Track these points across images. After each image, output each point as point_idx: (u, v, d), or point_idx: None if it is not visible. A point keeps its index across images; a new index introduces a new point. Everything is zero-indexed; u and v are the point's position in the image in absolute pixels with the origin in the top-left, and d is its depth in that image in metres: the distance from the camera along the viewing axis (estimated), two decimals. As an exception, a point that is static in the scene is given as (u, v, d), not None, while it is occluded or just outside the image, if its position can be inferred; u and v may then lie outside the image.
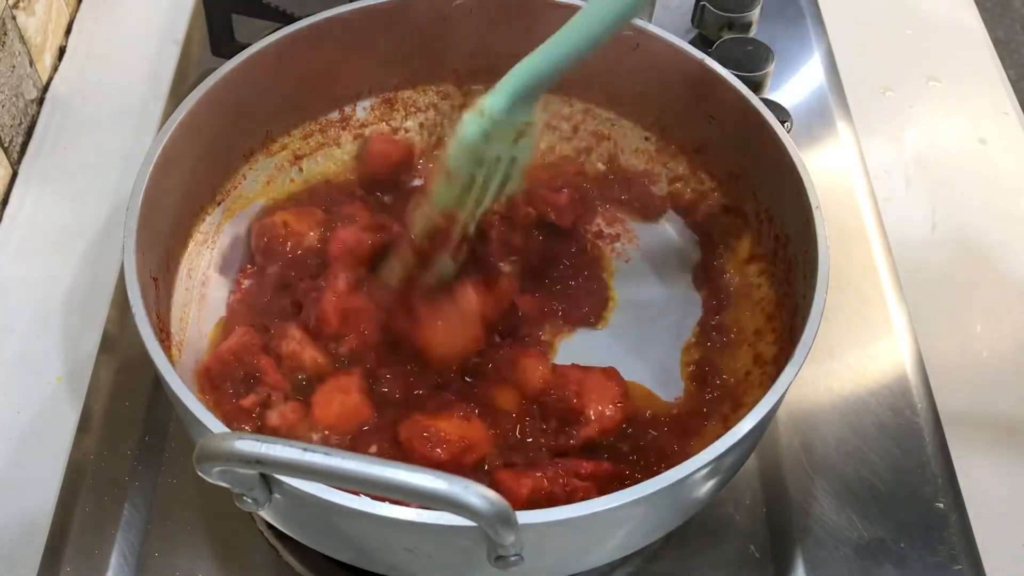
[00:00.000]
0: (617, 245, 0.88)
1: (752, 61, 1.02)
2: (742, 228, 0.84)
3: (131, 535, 0.75)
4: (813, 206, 0.72)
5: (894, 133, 1.04)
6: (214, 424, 0.60)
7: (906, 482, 0.80)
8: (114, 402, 0.82)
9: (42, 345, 0.86)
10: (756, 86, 1.01)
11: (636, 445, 0.74)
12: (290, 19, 0.92)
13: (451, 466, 0.70)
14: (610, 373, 0.76)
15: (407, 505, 0.55)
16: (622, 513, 0.58)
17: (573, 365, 0.78)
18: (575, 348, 0.82)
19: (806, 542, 0.76)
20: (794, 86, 1.05)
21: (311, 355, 0.76)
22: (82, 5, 1.12)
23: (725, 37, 1.05)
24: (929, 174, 1.01)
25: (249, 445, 0.51)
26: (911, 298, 0.90)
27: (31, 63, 1.01)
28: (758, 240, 0.82)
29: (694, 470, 0.59)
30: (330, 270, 0.79)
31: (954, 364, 0.87)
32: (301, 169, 0.90)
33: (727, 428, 0.61)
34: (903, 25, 1.14)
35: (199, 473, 0.53)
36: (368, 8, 0.84)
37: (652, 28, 0.83)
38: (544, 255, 0.86)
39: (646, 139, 0.90)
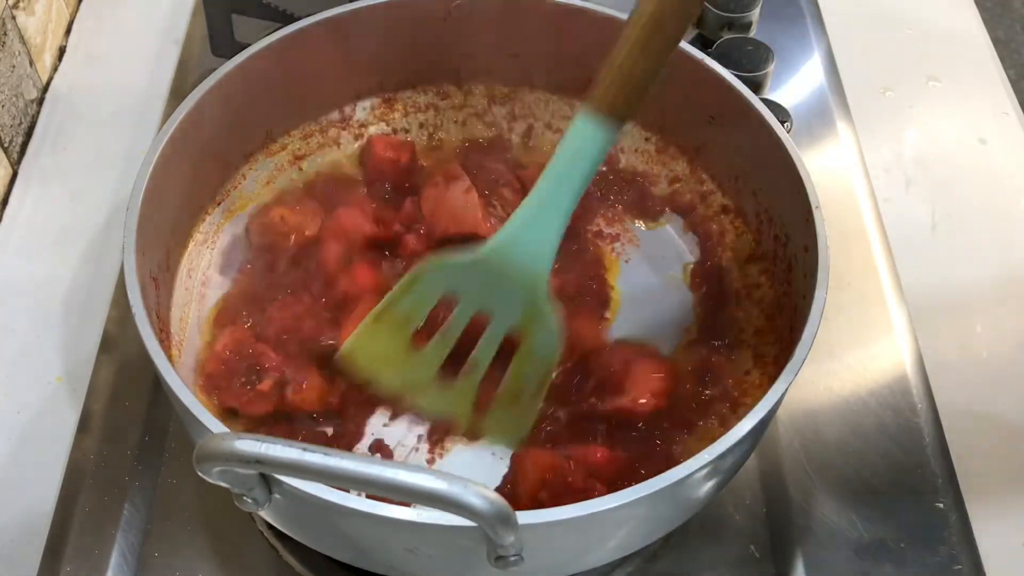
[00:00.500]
0: (617, 245, 0.88)
1: (752, 61, 1.02)
2: (742, 228, 0.84)
3: (131, 535, 0.75)
4: (813, 206, 0.72)
5: (894, 133, 1.04)
6: (214, 424, 0.60)
7: (906, 482, 0.80)
8: (114, 402, 0.82)
9: (42, 345, 0.86)
10: (756, 86, 1.01)
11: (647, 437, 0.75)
12: (290, 19, 0.92)
13: None
14: (662, 365, 0.77)
15: (407, 505, 0.55)
16: (622, 513, 0.58)
17: (630, 341, 0.79)
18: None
19: (806, 542, 0.76)
20: (794, 86, 1.05)
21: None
22: (82, 5, 1.12)
23: (725, 37, 1.05)
24: (929, 174, 1.01)
25: (249, 445, 0.50)
26: (911, 298, 0.90)
27: (31, 63, 1.01)
28: (758, 240, 0.82)
29: (694, 470, 0.59)
30: (325, 245, 0.82)
31: (954, 364, 0.87)
32: (301, 169, 0.90)
33: (727, 428, 0.61)
34: (903, 25, 1.14)
35: (199, 473, 0.53)
36: (368, 8, 0.84)
37: (652, 28, 0.83)
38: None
39: (646, 139, 0.90)
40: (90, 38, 1.10)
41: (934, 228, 0.96)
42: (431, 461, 0.76)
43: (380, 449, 0.75)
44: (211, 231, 0.83)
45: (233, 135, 0.84)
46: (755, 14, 1.07)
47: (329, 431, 0.75)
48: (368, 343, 0.74)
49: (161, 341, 0.66)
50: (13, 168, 0.97)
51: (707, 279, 0.85)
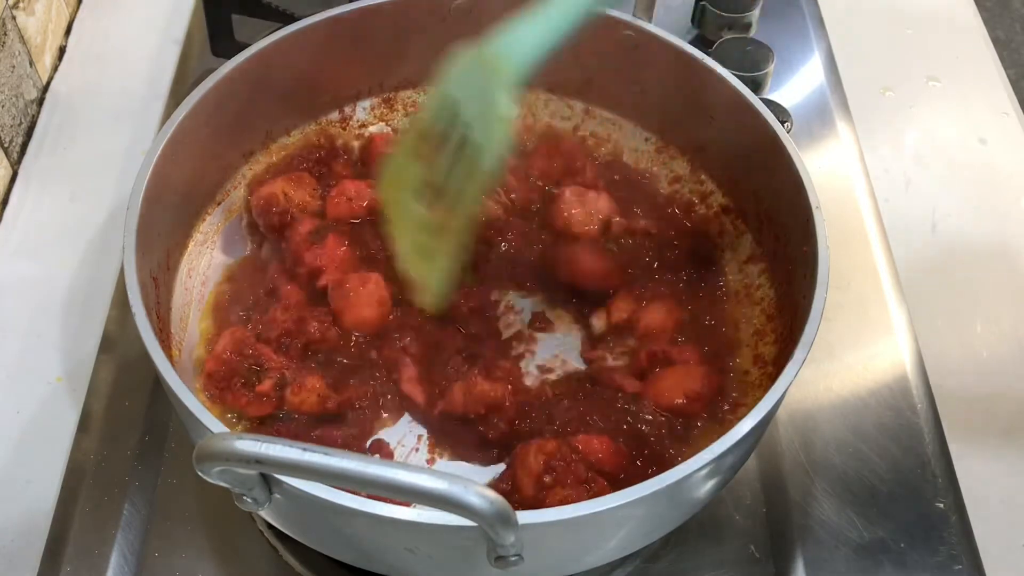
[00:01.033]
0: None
1: (752, 61, 1.02)
2: (742, 228, 0.84)
3: (131, 535, 0.75)
4: (813, 206, 0.72)
5: (894, 133, 1.04)
6: (214, 424, 0.60)
7: (906, 482, 0.80)
8: (114, 402, 0.82)
9: (42, 345, 0.86)
10: (756, 86, 1.01)
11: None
12: (290, 19, 0.92)
13: None
14: (706, 372, 0.77)
15: (407, 505, 0.55)
16: (622, 513, 0.58)
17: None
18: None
19: (806, 542, 0.76)
20: (794, 86, 1.05)
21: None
22: (82, 5, 1.12)
23: (725, 37, 1.05)
24: (929, 174, 1.01)
25: (248, 445, 0.50)
26: (911, 298, 0.90)
27: (31, 63, 1.01)
28: (758, 240, 0.82)
29: (694, 470, 0.59)
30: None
31: (954, 364, 0.87)
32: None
33: (727, 428, 0.61)
34: (903, 25, 1.14)
35: (199, 473, 0.53)
36: (368, 8, 0.84)
37: (652, 28, 0.83)
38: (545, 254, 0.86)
39: (646, 139, 0.90)
40: (90, 38, 1.10)
41: (934, 228, 0.96)
42: (431, 461, 0.76)
43: (380, 449, 0.75)
44: (211, 231, 0.83)
45: (233, 135, 0.84)
46: (755, 14, 1.07)
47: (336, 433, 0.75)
48: (393, 172, 0.74)
49: (161, 341, 0.66)
50: (13, 168, 0.97)
51: (707, 279, 0.84)
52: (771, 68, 1.02)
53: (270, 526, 0.75)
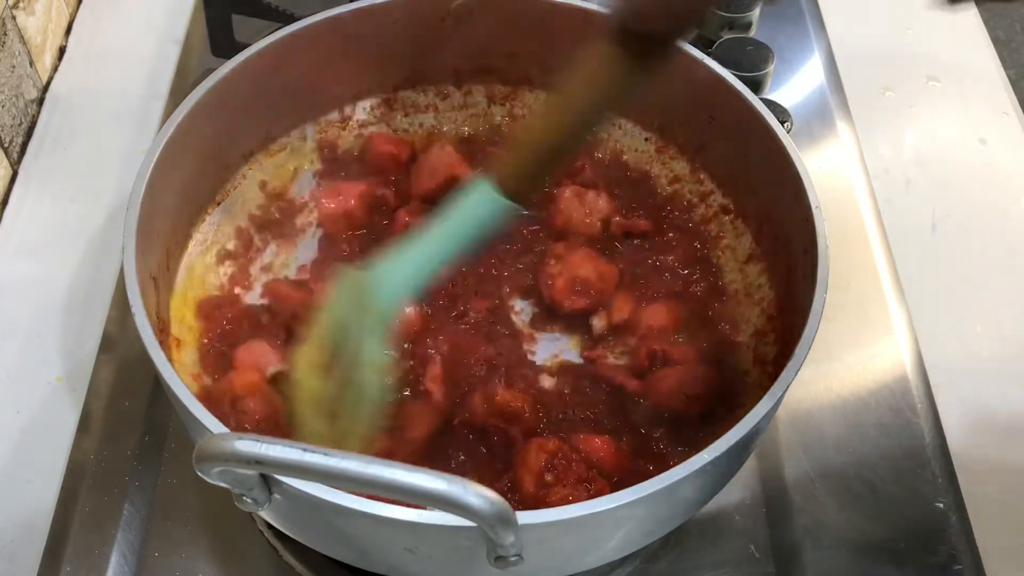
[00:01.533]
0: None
1: (752, 61, 1.02)
2: (742, 228, 0.84)
3: (131, 535, 0.75)
4: (813, 206, 0.72)
5: (894, 133, 1.04)
6: (214, 424, 0.60)
7: (906, 482, 0.80)
8: (114, 402, 0.82)
9: (42, 345, 0.86)
10: (756, 86, 1.01)
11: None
12: (290, 19, 0.92)
13: None
14: (708, 374, 0.76)
15: (407, 505, 0.55)
16: (622, 513, 0.58)
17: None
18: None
19: (806, 542, 0.76)
20: (794, 86, 1.05)
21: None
22: (82, 5, 1.12)
23: (725, 37, 1.05)
24: (929, 174, 1.01)
25: (248, 445, 0.50)
26: (911, 298, 0.90)
27: (31, 63, 1.01)
28: (758, 240, 0.82)
29: (694, 470, 0.59)
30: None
31: (954, 364, 0.87)
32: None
33: (726, 428, 0.61)
34: (903, 25, 1.14)
35: (199, 473, 0.53)
36: (368, 8, 0.84)
37: (652, 28, 0.83)
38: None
39: (646, 139, 0.90)
40: (90, 38, 1.10)
41: (934, 228, 0.96)
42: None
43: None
44: (211, 231, 0.83)
45: (233, 135, 0.84)
46: (755, 14, 1.07)
47: None
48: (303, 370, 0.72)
49: (161, 341, 0.66)
50: (13, 168, 0.97)
51: (706, 279, 0.84)
52: (771, 68, 1.02)
53: (270, 526, 0.75)
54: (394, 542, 0.60)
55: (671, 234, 0.86)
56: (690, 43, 0.82)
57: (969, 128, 1.04)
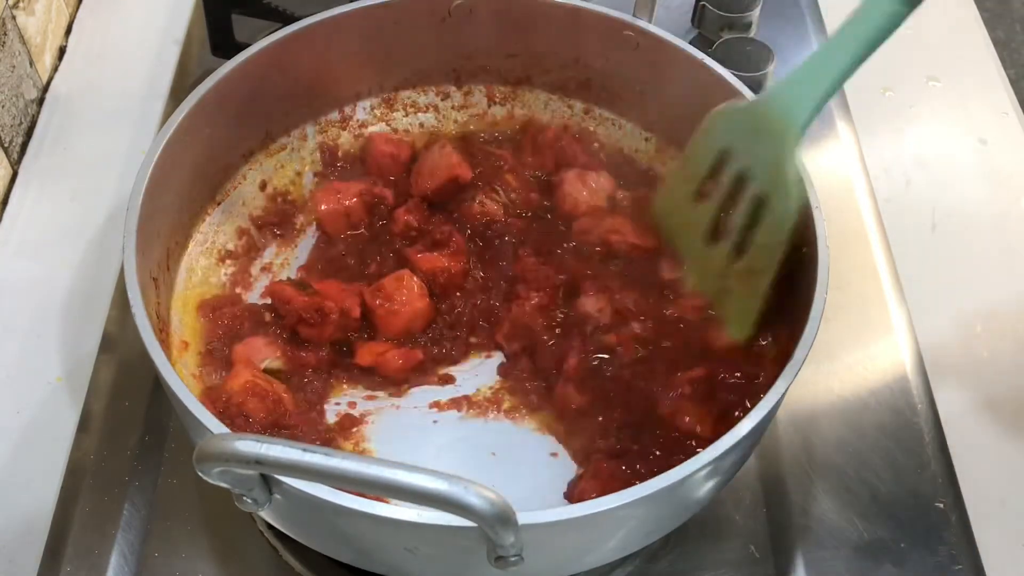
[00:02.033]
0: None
1: (752, 61, 1.02)
2: (742, 228, 0.84)
3: (131, 535, 0.75)
4: (813, 206, 0.72)
5: (894, 133, 1.04)
6: (214, 424, 0.60)
7: (906, 482, 0.80)
8: (114, 402, 0.82)
9: (42, 345, 0.86)
10: (756, 86, 1.01)
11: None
12: (290, 19, 0.92)
13: None
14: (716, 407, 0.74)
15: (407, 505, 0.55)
16: (622, 513, 0.58)
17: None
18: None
19: (806, 542, 0.76)
20: (794, 86, 1.05)
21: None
22: (82, 5, 1.12)
23: (725, 37, 1.05)
24: (929, 174, 1.01)
25: (248, 446, 0.50)
26: (911, 298, 0.90)
27: (31, 63, 1.01)
28: (758, 240, 0.82)
29: (694, 470, 0.59)
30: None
31: (954, 364, 0.87)
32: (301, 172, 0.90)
33: (727, 428, 0.61)
34: (903, 25, 1.14)
35: (199, 474, 0.53)
36: (368, 8, 0.84)
37: (652, 28, 0.83)
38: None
39: (646, 140, 0.90)
40: (90, 38, 1.10)
41: (934, 228, 0.96)
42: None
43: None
44: (211, 231, 0.83)
45: (233, 135, 0.84)
46: (755, 14, 1.07)
47: None
48: (667, 195, 0.80)
49: (161, 341, 0.66)
50: (13, 168, 0.97)
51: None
52: (771, 68, 1.02)
53: (270, 526, 0.75)
54: (394, 542, 0.60)
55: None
56: (690, 43, 0.83)
57: (969, 128, 1.04)
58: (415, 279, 0.81)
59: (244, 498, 0.57)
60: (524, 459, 0.77)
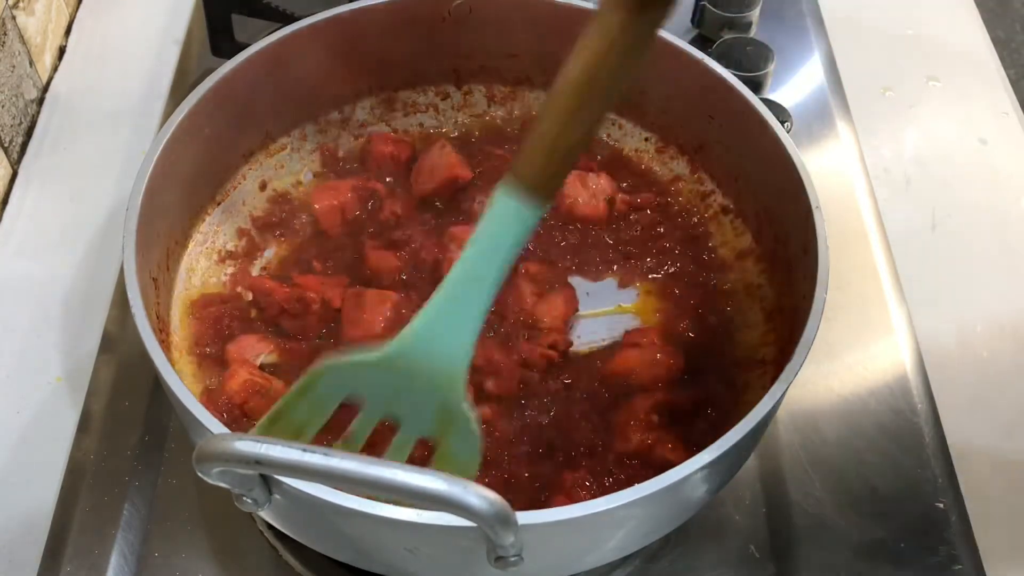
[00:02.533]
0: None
1: (752, 61, 1.02)
2: (742, 228, 0.84)
3: (131, 535, 0.75)
4: (813, 206, 0.72)
5: (894, 133, 1.04)
6: (214, 424, 0.60)
7: (906, 482, 0.80)
8: (114, 402, 0.82)
9: (42, 345, 0.86)
10: (756, 86, 1.01)
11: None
12: (290, 19, 0.92)
13: None
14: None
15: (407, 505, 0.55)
16: (622, 513, 0.58)
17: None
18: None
19: (806, 542, 0.76)
20: (794, 86, 1.05)
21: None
22: (82, 5, 1.12)
23: (725, 37, 1.05)
24: (929, 174, 1.01)
25: (248, 446, 0.50)
26: (911, 298, 0.90)
27: (31, 63, 1.01)
28: (758, 240, 0.82)
29: (694, 470, 0.59)
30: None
31: (954, 364, 0.87)
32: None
33: (726, 428, 0.61)
34: (903, 25, 1.14)
35: (198, 474, 0.53)
36: (368, 8, 0.84)
37: (652, 28, 0.83)
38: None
39: (646, 139, 0.90)
40: (90, 38, 1.10)
41: (934, 228, 0.96)
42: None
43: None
44: (211, 231, 0.83)
45: (233, 135, 0.84)
46: (755, 14, 1.07)
47: None
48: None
49: (161, 341, 0.66)
50: (13, 168, 0.97)
51: (707, 279, 0.85)
52: (771, 68, 1.02)
53: (270, 526, 0.75)
54: (394, 542, 0.60)
55: (670, 226, 0.87)
56: (690, 43, 0.82)
57: (969, 128, 1.04)
58: (377, 298, 0.80)
59: (244, 498, 0.57)
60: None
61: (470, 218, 0.86)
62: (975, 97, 1.07)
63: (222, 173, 0.84)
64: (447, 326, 0.61)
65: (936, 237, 0.96)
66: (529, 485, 0.72)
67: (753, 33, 1.08)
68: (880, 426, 0.82)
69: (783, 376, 0.64)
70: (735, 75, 0.80)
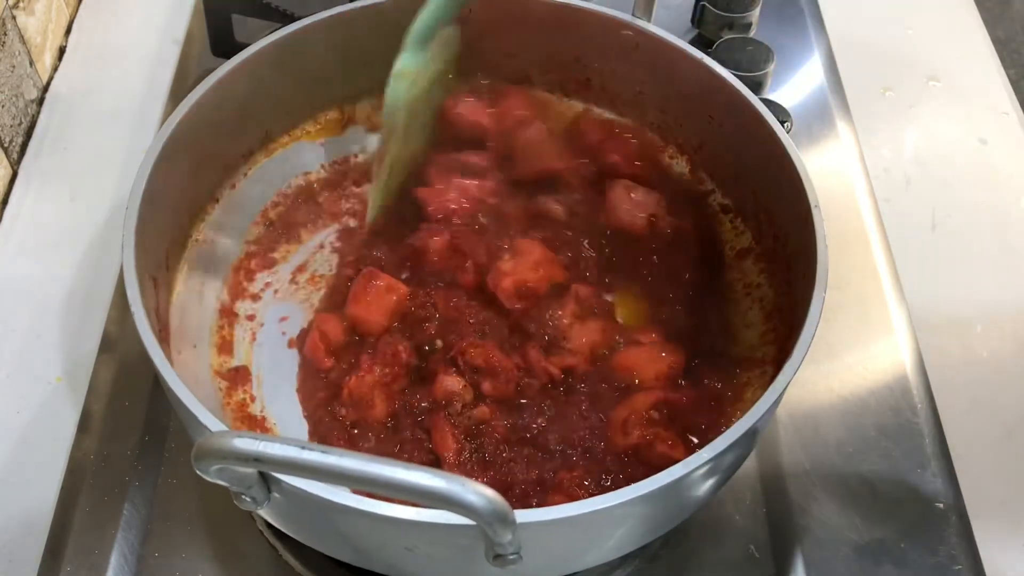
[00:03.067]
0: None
1: (752, 61, 1.02)
2: (741, 227, 0.84)
3: (131, 535, 0.75)
4: (812, 205, 0.72)
5: (894, 133, 1.04)
6: (213, 423, 0.60)
7: (906, 482, 0.79)
8: (114, 402, 0.82)
9: (42, 345, 0.86)
10: (756, 86, 1.01)
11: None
12: (290, 19, 0.92)
13: None
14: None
15: (406, 503, 0.55)
16: (621, 511, 0.58)
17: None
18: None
19: (806, 542, 0.76)
20: (794, 86, 1.05)
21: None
22: (82, 5, 1.12)
23: (725, 37, 1.05)
24: (929, 174, 1.01)
25: (247, 443, 0.50)
26: (911, 298, 0.90)
27: (31, 63, 1.01)
28: (757, 239, 0.82)
29: (693, 469, 0.59)
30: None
31: (954, 364, 0.87)
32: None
33: (726, 427, 0.61)
34: (903, 25, 1.14)
35: (197, 472, 0.53)
36: (368, 8, 0.84)
37: (652, 28, 0.83)
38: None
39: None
40: (90, 38, 1.10)
41: (934, 228, 0.96)
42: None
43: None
44: (211, 231, 0.83)
45: (233, 135, 0.84)
46: (755, 14, 1.07)
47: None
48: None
49: (161, 340, 0.66)
50: (13, 168, 0.97)
51: (706, 278, 0.85)
52: (771, 68, 1.02)
53: (270, 526, 0.75)
54: (393, 540, 0.60)
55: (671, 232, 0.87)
56: (690, 43, 0.83)
57: (969, 128, 1.04)
58: (385, 287, 0.81)
59: (243, 496, 0.57)
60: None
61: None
62: (975, 97, 1.07)
63: (222, 172, 0.84)
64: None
65: (936, 237, 0.96)
66: (527, 485, 0.72)
67: (753, 33, 1.08)
68: (880, 426, 0.82)
69: (782, 375, 0.64)
70: (735, 75, 0.80)
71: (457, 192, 0.85)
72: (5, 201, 0.96)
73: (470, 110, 0.89)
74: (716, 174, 0.86)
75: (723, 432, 0.61)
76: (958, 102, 1.07)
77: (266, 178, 0.88)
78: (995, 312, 0.91)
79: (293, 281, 0.85)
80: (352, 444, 0.75)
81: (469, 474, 0.72)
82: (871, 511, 0.78)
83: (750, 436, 0.62)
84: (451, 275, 0.82)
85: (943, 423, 0.83)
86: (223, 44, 1.02)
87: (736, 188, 0.84)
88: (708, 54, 0.82)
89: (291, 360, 0.81)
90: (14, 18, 0.98)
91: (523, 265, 0.81)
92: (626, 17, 0.83)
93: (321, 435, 0.76)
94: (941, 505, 0.79)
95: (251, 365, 0.80)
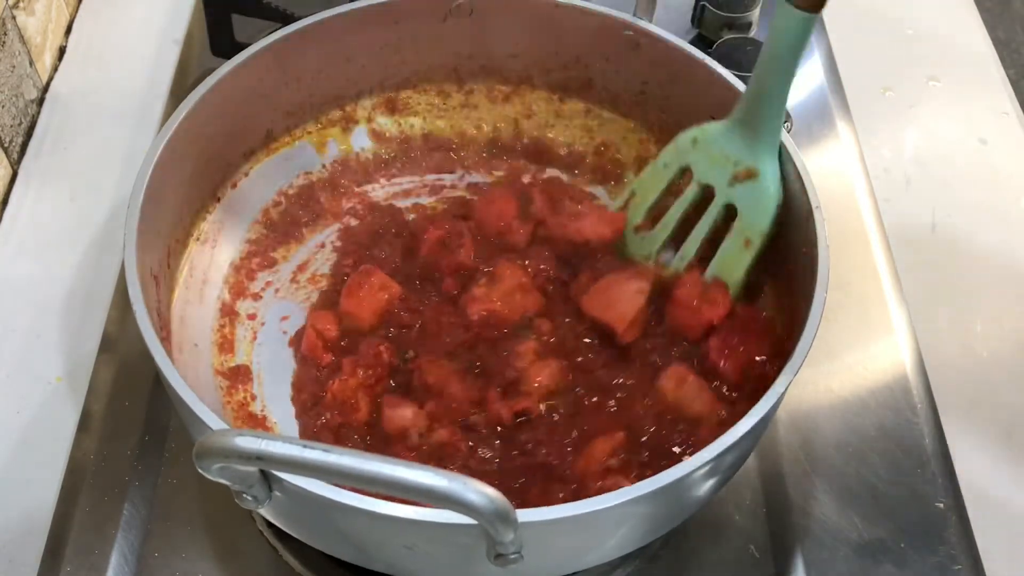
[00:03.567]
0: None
1: (752, 61, 1.01)
2: (742, 228, 0.84)
3: (131, 535, 0.75)
4: (813, 206, 0.72)
5: (894, 133, 1.04)
6: (214, 422, 0.60)
7: (906, 482, 0.79)
8: (114, 402, 0.82)
9: (42, 345, 0.86)
10: (756, 86, 1.01)
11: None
12: (290, 19, 0.92)
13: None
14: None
15: (407, 502, 0.55)
16: (622, 511, 0.58)
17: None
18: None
19: (806, 542, 0.76)
20: (794, 86, 1.04)
21: None
22: (82, 5, 1.12)
23: (725, 37, 1.05)
24: (929, 174, 1.01)
25: (248, 441, 0.50)
26: (911, 298, 0.90)
27: (31, 63, 1.01)
28: (758, 239, 0.82)
29: (694, 469, 0.59)
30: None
31: (954, 364, 0.87)
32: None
33: (726, 427, 0.61)
34: (903, 25, 1.14)
35: (199, 470, 0.53)
36: (368, 8, 0.84)
37: (652, 28, 0.83)
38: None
39: (645, 139, 0.90)
40: (90, 38, 1.10)
41: (934, 228, 0.96)
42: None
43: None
44: (212, 230, 0.83)
45: (233, 135, 0.84)
46: (755, 14, 1.07)
47: None
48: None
49: (162, 339, 0.66)
50: (13, 168, 0.97)
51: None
52: (771, 68, 1.02)
53: (270, 526, 0.75)
54: (394, 539, 0.60)
55: None
56: (690, 43, 0.83)
57: (969, 128, 1.04)
58: (380, 284, 0.80)
59: (244, 495, 0.57)
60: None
61: None
62: (975, 97, 1.07)
63: (223, 172, 0.85)
64: (758, 109, 0.76)
65: (936, 237, 0.96)
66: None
67: (753, 33, 1.08)
68: (880, 426, 0.82)
69: (783, 376, 0.64)
70: (735, 75, 0.80)
71: None
72: (5, 201, 0.96)
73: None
74: (716, 174, 0.86)
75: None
76: (958, 102, 1.07)
77: (267, 177, 0.88)
78: (995, 312, 0.91)
79: (294, 280, 0.86)
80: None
81: None
82: (871, 511, 0.78)
83: (752, 437, 0.62)
84: (440, 279, 0.81)
85: (943, 423, 0.83)
86: (223, 44, 1.02)
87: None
88: (708, 54, 0.82)
89: (292, 359, 0.81)
90: (14, 18, 0.98)
91: (496, 292, 0.79)
92: (627, 17, 0.83)
93: (309, 439, 0.75)
94: (941, 505, 0.79)
95: (252, 364, 0.81)
